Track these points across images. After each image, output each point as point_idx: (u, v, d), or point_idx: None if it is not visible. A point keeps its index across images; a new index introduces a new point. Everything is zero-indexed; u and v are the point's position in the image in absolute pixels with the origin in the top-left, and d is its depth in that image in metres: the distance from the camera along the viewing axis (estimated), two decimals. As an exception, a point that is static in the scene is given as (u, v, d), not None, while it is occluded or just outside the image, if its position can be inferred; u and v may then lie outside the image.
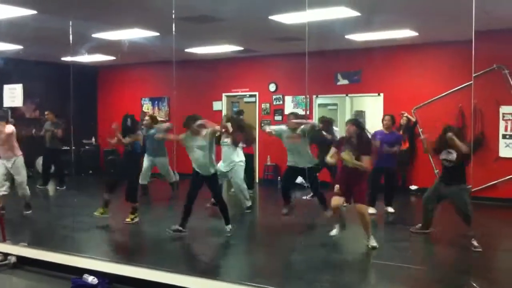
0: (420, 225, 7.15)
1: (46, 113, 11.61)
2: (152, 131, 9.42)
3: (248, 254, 6.65)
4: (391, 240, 7.06)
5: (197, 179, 6.90)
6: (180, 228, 6.90)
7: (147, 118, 9.97)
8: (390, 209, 8.46)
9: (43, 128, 11.42)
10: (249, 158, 9.90)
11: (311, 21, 8.06)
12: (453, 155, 6.68)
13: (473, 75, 8.56)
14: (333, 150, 6.61)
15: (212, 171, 6.89)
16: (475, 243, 6.23)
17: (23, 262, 5.59)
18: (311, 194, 8.68)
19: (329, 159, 6.63)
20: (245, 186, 8.54)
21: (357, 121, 6.61)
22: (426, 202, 7.02)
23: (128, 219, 7.72)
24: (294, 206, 8.06)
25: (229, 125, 7.32)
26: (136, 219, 7.77)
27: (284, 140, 7.90)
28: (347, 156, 6.31)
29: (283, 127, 8.04)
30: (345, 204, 6.93)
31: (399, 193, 10.40)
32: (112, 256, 6.25)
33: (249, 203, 8.57)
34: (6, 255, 5.65)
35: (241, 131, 7.88)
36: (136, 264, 5.21)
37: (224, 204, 7.05)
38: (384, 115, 8.63)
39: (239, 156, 8.42)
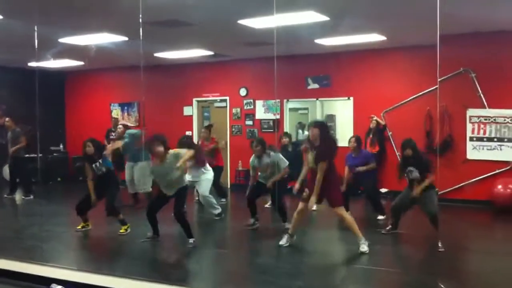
0: (390, 226, 7.28)
1: (6, 119, 11.28)
2: (126, 140, 9.34)
3: (219, 260, 6.60)
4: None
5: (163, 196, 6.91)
6: (152, 235, 6.96)
7: (120, 127, 9.78)
8: (380, 217, 8.37)
9: (6, 136, 11.16)
10: (219, 170, 9.77)
11: (280, 25, 8.09)
12: (415, 173, 6.82)
13: (439, 79, 8.67)
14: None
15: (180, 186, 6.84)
16: (439, 244, 6.27)
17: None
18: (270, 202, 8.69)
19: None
20: (210, 197, 8.53)
21: (321, 124, 6.53)
22: (397, 209, 7.13)
23: (121, 230, 7.48)
24: (258, 218, 7.95)
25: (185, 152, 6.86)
26: (129, 230, 7.53)
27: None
28: (311, 158, 6.27)
29: (252, 159, 7.89)
30: (314, 208, 6.97)
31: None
32: (81, 265, 6.12)
33: (217, 211, 8.53)
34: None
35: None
36: (105, 272, 5.12)
37: (185, 219, 6.83)
38: (349, 138, 8.57)
39: (205, 172, 8.45)
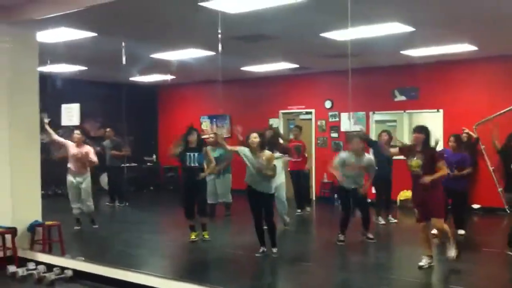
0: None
1: (106, 130, 11.96)
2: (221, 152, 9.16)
3: (304, 273, 6.53)
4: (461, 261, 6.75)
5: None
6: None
7: (212, 136, 9.70)
8: (461, 231, 8.05)
9: (102, 146, 11.77)
10: (303, 176, 9.82)
11: (364, 37, 8.01)
12: None
13: None
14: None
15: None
16: None
17: (79, 276, 5.75)
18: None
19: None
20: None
21: (426, 129, 6.18)
22: None
23: (192, 236, 7.61)
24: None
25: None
26: (197, 238, 7.64)
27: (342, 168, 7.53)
28: (415, 163, 6.00)
29: (343, 155, 7.67)
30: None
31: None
32: (168, 273, 6.31)
33: (288, 219, 8.59)
34: (63, 268, 5.84)
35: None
36: (191, 281, 5.20)
37: (275, 227, 6.87)
38: (449, 136, 8.32)
39: (280, 176, 8.16)
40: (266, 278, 6.37)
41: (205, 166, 7.84)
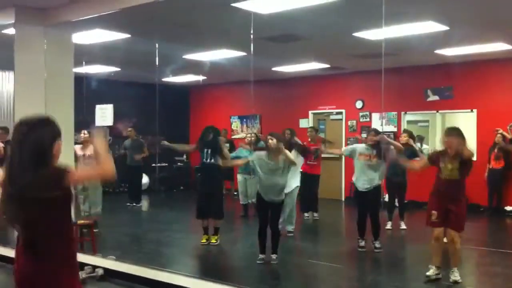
0: None
1: (128, 129, 11.86)
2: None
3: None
4: (483, 264, 6.65)
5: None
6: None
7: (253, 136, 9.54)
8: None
9: (123, 146, 11.78)
10: (315, 180, 9.52)
11: (397, 36, 7.94)
12: None
13: None
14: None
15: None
16: None
17: (110, 275, 5.83)
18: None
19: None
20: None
21: (458, 131, 5.73)
22: None
23: (203, 240, 7.44)
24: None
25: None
26: (207, 241, 7.44)
27: (356, 158, 7.17)
28: (449, 167, 5.54)
29: (356, 145, 7.57)
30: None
31: (494, 214, 9.94)
32: (198, 272, 6.36)
33: (293, 227, 8.07)
34: (94, 267, 5.92)
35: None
36: (221, 281, 5.23)
37: (278, 232, 6.65)
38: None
39: (296, 178, 7.98)
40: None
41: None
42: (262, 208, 6.51)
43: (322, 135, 13.01)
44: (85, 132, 8.15)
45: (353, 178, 7.34)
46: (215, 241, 7.42)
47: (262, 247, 6.52)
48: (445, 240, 6.39)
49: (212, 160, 7.36)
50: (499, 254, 6.80)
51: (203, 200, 7.44)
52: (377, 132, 7.42)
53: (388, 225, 8.60)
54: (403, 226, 8.64)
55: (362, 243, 7.18)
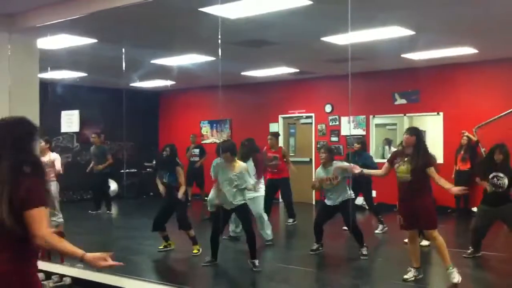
0: (471, 249, 6.81)
1: (92, 136, 11.68)
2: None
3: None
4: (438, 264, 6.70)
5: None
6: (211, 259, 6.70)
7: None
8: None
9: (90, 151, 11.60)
10: (283, 184, 9.42)
11: (363, 41, 8.02)
12: (504, 181, 6.30)
13: None
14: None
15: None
16: None
17: (78, 284, 5.72)
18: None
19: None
20: (265, 216, 7.93)
21: (418, 131, 5.81)
22: (477, 230, 6.70)
23: (194, 251, 7.29)
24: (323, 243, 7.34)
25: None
26: (199, 251, 7.30)
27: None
28: (403, 169, 5.57)
29: (317, 171, 7.34)
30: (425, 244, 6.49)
31: (462, 215, 10.10)
32: (166, 279, 6.29)
33: (268, 237, 7.85)
34: (62, 276, 5.80)
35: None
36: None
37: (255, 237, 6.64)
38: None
39: (260, 186, 7.89)
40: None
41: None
42: (223, 214, 6.60)
43: (292, 139, 13.13)
44: (41, 141, 7.92)
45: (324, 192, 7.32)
46: (196, 252, 7.27)
47: (214, 251, 6.60)
48: (426, 243, 6.48)
49: (169, 180, 7.33)
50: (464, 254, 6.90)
51: (160, 213, 7.47)
52: (328, 149, 7.41)
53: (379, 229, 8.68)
54: (379, 229, 8.70)
55: (314, 247, 7.23)
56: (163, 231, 7.52)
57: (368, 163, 8.53)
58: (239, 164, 6.57)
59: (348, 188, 7.08)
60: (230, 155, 6.48)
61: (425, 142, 5.88)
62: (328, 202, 7.13)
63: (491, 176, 6.46)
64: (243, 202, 6.54)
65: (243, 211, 6.57)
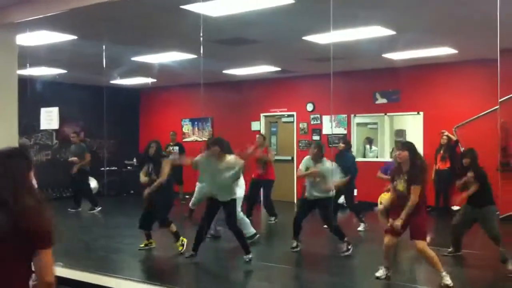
0: (451, 248, 6.90)
1: (72, 135, 11.58)
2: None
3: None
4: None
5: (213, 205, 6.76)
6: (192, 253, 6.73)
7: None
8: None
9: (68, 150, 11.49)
10: (270, 184, 9.59)
11: (344, 40, 8.06)
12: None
13: (499, 97, 8.22)
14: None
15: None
16: (510, 267, 5.97)
17: (58, 282, 5.64)
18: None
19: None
20: (243, 216, 7.93)
21: (410, 145, 5.74)
22: (457, 229, 6.81)
23: (179, 248, 7.19)
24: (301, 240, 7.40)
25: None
26: (185, 242, 7.21)
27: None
28: (400, 187, 5.59)
29: (304, 160, 7.38)
30: None
31: (441, 214, 10.19)
32: (148, 277, 6.26)
33: (253, 232, 7.85)
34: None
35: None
36: (169, 285, 5.19)
37: (242, 232, 6.80)
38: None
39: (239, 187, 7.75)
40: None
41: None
42: (210, 208, 6.68)
43: (274, 138, 13.14)
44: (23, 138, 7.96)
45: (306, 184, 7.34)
46: (181, 249, 7.18)
47: (196, 246, 6.67)
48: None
49: (155, 177, 7.24)
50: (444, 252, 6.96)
51: (145, 212, 7.40)
52: (319, 146, 7.44)
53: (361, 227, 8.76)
54: (361, 227, 8.77)
55: (294, 244, 7.27)
56: (149, 230, 7.46)
57: (348, 164, 8.60)
58: (228, 157, 6.61)
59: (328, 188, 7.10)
60: (219, 149, 6.54)
61: (421, 157, 5.89)
62: (308, 196, 7.18)
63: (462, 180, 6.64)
64: (230, 198, 6.61)
65: (230, 207, 6.64)
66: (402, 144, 5.98)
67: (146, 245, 7.51)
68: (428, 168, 6.08)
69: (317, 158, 7.19)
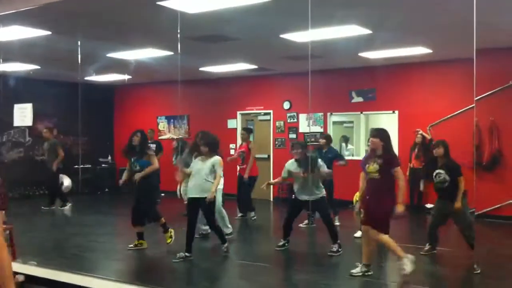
0: (428, 246, 6.95)
1: (44, 130, 11.32)
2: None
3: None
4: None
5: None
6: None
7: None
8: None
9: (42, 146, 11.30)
10: (253, 181, 9.67)
11: (321, 39, 8.07)
12: (444, 176, 6.54)
13: (474, 96, 8.31)
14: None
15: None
16: (475, 266, 6.01)
17: (31, 281, 5.58)
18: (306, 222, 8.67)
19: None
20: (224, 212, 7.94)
21: (383, 132, 5.87)
22: (432, 223, 6.89)
23: (168, 241, 7.19)
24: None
25: None
26: (173, 235, 7.19)
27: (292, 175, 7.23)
28: (372, 168, 5.64)
29: (287, 165, 7.32)
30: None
31: (415, 212, 10.30)
32: (123, 276, 6.19)
33: (229, 230, 7.85)
34: (15, 273, 5.64)
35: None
36: (144, 284, 5.15)
37: (218, 225, 6.97)
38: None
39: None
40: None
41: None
42: (192, 207, 6.70)
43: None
44: None
45: (294, 188, 7.27)
46: (169, 241, 7.17)
47: (188, 245, 6.63)
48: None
49: (142, 168, 7.07)
50: (421, 250, 7.02)
51: (135, 207, 7.20)
52: (302, 145, 7.45)
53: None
54: (337, 222, 8.74)
55: (281, 243, 7.26)
56: (142, 225, 7.22)
57: (331, 156, 8.78)
58: (213, 157, 6.70)
59: (319, 184, 7.15)
60: (209, 151, 6.67)
61: (391, 142, 5.93)
62: (298, 197, 7.13)
63: (434, 174, 6.69)
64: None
65: (208, 205, 6.63)
66: (375, 130, 6.00)
67: (135, 245, 7.26)
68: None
69: (303, 158, 7.12)
